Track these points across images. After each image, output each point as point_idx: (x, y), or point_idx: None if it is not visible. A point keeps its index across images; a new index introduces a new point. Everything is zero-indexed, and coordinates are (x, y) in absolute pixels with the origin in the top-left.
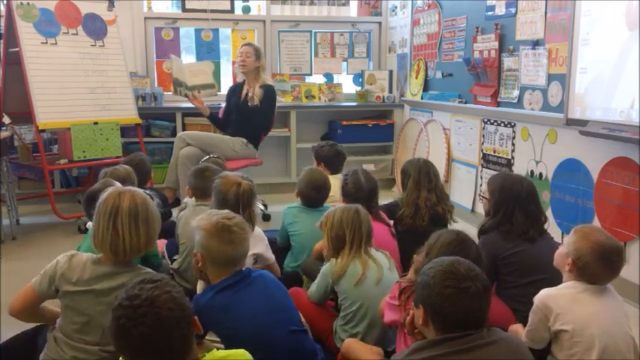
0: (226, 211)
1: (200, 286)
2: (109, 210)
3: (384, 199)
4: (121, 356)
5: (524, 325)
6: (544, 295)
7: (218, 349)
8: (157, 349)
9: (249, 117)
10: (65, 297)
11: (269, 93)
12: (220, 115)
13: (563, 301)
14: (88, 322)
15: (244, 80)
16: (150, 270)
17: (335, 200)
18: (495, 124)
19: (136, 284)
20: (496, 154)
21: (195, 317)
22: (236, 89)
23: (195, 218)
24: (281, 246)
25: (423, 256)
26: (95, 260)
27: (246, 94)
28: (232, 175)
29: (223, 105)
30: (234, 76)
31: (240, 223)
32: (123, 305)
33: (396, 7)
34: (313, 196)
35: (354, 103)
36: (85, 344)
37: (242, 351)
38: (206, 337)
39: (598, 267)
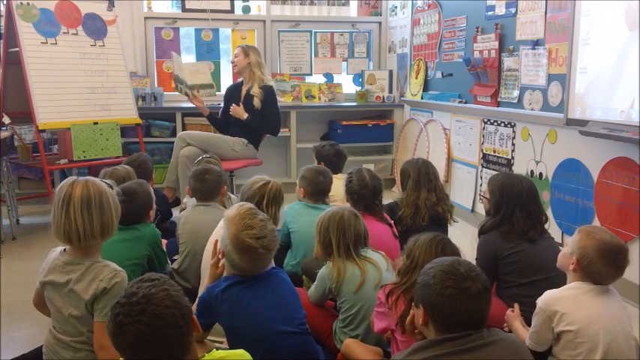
0: (260, 217)
1: (202, 288)
2: (61, 198)
3: (384, 199)
4: (120, 356)
5: (524, 322)
6: (547, 297)
7: (217, 349)
8: (154, 347)
9: (251, 119)
10: (44, 287)
11: (270, 95)
12: (219, 115)
13: (566, 301)
14: (58, 312)
15: (242, 80)
16: (109, 263)
17: (336, 200)
18: (495, 124)
19: (134, 283)
20: (496, 154)
21: (194, 317)
22: (235, 90)
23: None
24: (282, 244)
25: (404, 258)
26: (61, 251)
27: (246, 95)
28: (261, 176)
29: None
30: (235, 77)
31: (268, 244)
32: (120, 303)
33: (396, 7)
34: (321, 180)
35: (354, 103)
36: (60, 334)
37: (241, 351)
38: (207, 338)
39: (602, 265)
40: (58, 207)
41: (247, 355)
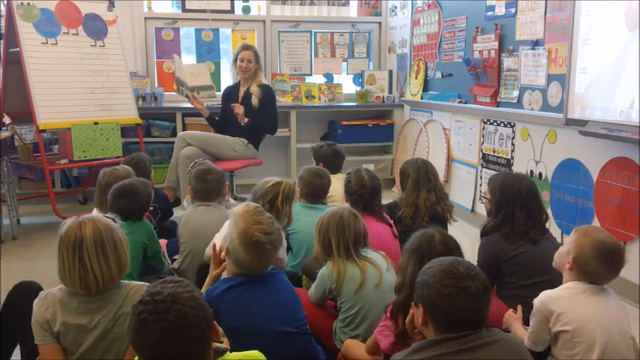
0: (267, 215)
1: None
2: (72, 243)
3: (384, 199)
4: (136, 357)
5: (524, 324)
6: (544, 297)
7: (222, 348)
8: (176, 346)
9: (250, 122)
10: (60, 336)
11: (268, 93)
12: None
13: (563, 301)
14: None
15: (239, 81)
16: (133, 282)
17: (335, 200)
18: (495, 124)
19: (158, 283)
20: (496, 154)
21: (215, 323)
22: (232, 92)
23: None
24: None
25: (400, 276)
26: (70, 292)
27: (244, 96)
28: (272, 177)
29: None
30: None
31: (274, 240)
32: (144, 301)
33: (396, 7)
34: (318, 182)
35: (354, 103)
36: None
37: (256, 352)
38: None
39: (598, 264)
40: (67, 253)
41: (262, 356)
